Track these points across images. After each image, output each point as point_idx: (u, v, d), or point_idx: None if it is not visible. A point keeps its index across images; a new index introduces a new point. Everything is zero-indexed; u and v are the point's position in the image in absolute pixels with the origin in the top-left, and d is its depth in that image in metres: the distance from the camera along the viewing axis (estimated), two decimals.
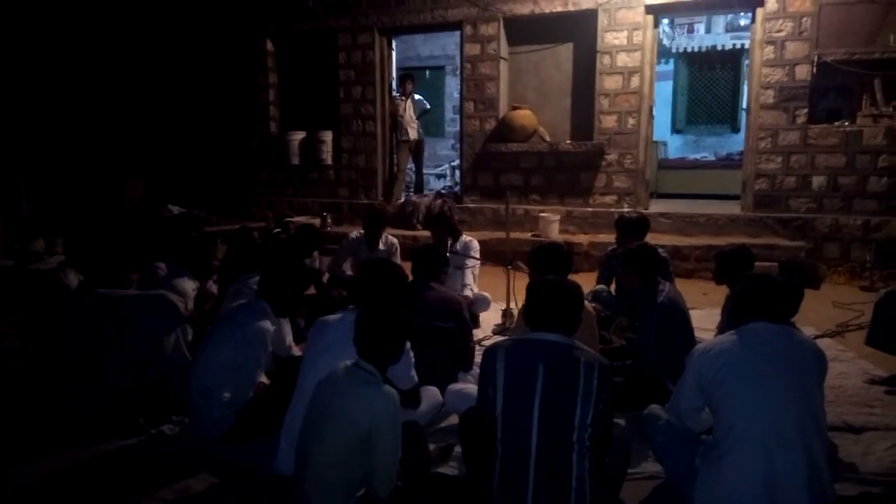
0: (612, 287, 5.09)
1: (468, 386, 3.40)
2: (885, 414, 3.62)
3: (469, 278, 5.34)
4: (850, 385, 4.04)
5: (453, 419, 3.34)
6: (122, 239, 6.02)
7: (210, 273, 4.49)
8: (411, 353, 2.99)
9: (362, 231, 5.72)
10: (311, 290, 4.61)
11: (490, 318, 5.39)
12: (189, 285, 4.12)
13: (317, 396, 2.43)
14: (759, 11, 7.20)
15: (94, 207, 8.29)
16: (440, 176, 12.77)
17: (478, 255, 5.45)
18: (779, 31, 7.11)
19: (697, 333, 3.83)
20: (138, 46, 9.92)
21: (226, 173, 10.03)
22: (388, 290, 3.08)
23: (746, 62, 9.57)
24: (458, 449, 2.90)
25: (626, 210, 7.74)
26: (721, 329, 3.86)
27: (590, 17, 7.81)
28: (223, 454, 3.06)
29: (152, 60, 10.01)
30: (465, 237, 5.54)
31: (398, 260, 5.78)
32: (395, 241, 5.88)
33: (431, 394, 3.39)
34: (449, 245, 5.36)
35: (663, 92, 12.76)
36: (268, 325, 3.19)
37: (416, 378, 3.04)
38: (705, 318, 4.89)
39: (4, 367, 4.25)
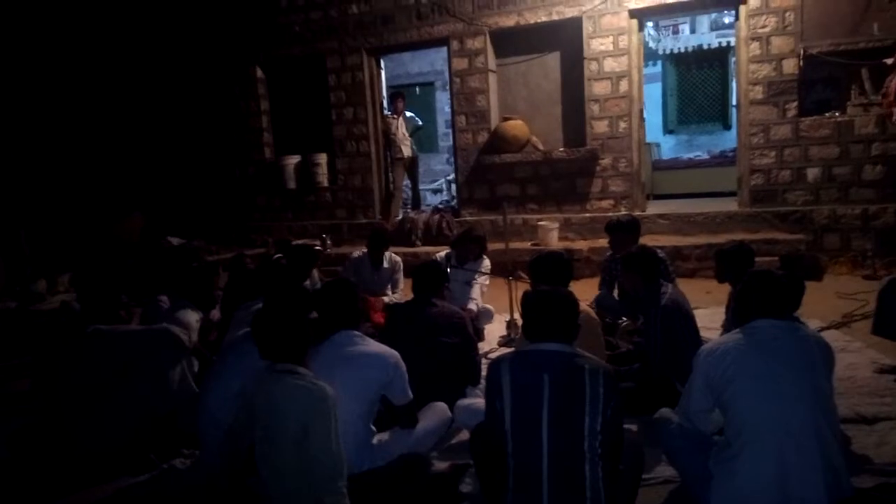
0: (615, 292, 5.09)
1: (477, 400, 3.39)
2: None
3: (476, 293, 5.37)
4: (860, 375, 4.02)
5: (465, 435, 3.33)
6: (117, 275, 6.01)
7: (213, 303, 4.48)
8: (404, 368, 2.97)
9: (365, 251, 5.76)
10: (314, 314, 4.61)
11: (495, 331, 5.39)
12: (193, 317, 4.10)
13: (251, 414, 2.43)
14: (743, 8, 7.26)
15: (94, 244, 8.30)
16: (436, 191, 12.80)
17: (488, 271, 5.48)
18: (763, 26, 7.16)
19: (702, 333, 3.82)
20: (130, 82, 9.98)
21: (223, 202, 10.06)
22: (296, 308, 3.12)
23: (733, 59, 9.62)
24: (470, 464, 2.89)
25: (620, 214, 7.75)
26: (726, 328, 3.86)
27: (575, 24, 7.87)
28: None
29: (144, 95, 10.07)
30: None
31: (401, 277, 5.82)
32: (398, 259, 5.91)
33: (440, 410, 3.38)
34: (464, 262, 5.39)
35: (653, 94, 12.84)
36: None
37: (410, 395, 3.02)
38: (710, 317, 4.89)
39: (13, 409, 4.24)
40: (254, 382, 2.47)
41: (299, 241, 7.95)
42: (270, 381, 2.39)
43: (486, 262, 5.54)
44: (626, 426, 2.57)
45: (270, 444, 2.32)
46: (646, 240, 7.03)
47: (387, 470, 2.77)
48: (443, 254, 5.67)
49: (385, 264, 5.74)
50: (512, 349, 3.65)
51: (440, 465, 3.15)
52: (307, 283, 5.13)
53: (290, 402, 2.30)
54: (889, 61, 6.51)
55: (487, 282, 5.55)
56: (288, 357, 2.44)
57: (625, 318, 4.57)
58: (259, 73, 9.74)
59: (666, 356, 3.46)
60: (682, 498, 2.76)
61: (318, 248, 6.58)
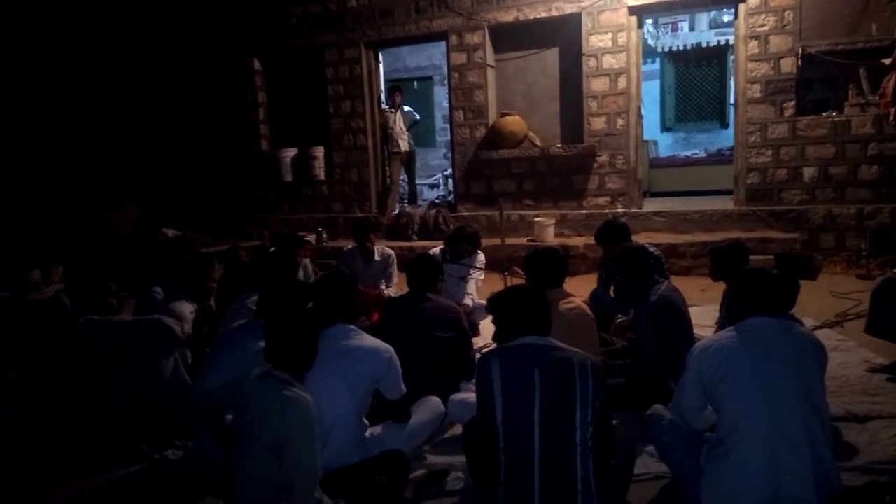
0: (612, 290, 5.09)
1: (470, 395, 3.37)
2: (889, 402, 3.62)
3: (472, 287, 5.37)
4: (852, 374, 4.04)
5: (458, 429, 3.33)
6: (110, 265, 5.99)
7: (208, 295, 4.48)
8: (398, 363, 2.97)
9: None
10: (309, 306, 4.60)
11: (490, 326, 5.36)
12: (187, 308, 4.10)
13: (238, 409, 2.43)
14: (742, 7, 7.25)
15: (88, 234, 8.28)
16: (433, 186, 12.79)
17: (483, 266, 5.47)
18: (762, 25, 7.16)
19: (696, 330, 3.83)
20: (127, 72, 9.94)
21: (219, 193, 10.03)
22: (292, 301, 3.10)
23: (732, 58, 9.62)
24: (463, 459, 2.89)
25: (619, 210, 7.77)
26: (720, 325, 3.87)
27: (574, 20, 7.85)
28: (228, 477, 3.04)
29: (141, 85, 10.03)
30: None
31: (395, 271, 5.82)
32: (391, 252, 5.91)
33: (433, 404, 3.38)
34: (458, 258, 5.39)
35: (651, 91, 12.82)
36: None
37: (403, 389, 3.02)
38: (704, 315, 4.89)
39: (7, 399, 4.24)
40: (248, 380, 2.44)
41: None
42: (262, 385, 2.36)
43: (481, 257, 5.53)
44: (619, 422, 2.58)
45: (244, 448, 2.31)
46: (642, 237, 7.07)
47: (363, 466, 2.76)
48: (437, 249, 5.66)
49: (377, 257, 5.73)
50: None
51: (435, 460, 3.17)
52: (301, 273, 5.12)
53: (272, 412, 2.27)
54: (887, 61, 6.51)
55: (482, 276, 5.55)
56: (288, 368, 2.41)
57: (620, 315, 4.57)
58: (257, 64, 9.71)
59: (657, 352, 3.47)
60: (674, 494, 2.76)
61: (307, 238, 6.56)
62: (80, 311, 3.57)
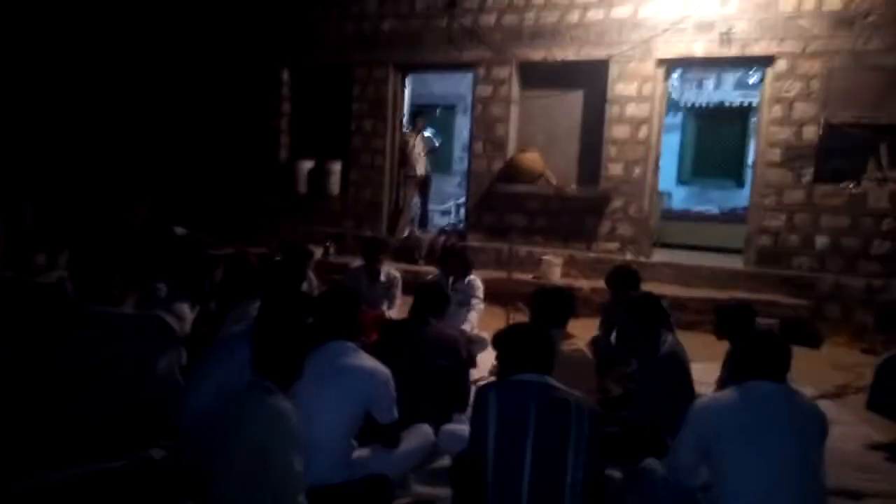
0: (613, 337, 5.05)
1: (462, 427, 3.34)
2: (884, 480, 3.56)
3: (473, 315, 5.35)
4: (850, 449, 3.97)
5: (446, 460, 3.28)
6: (115, 256, 5.99)
7: (207, 297, 4.46)
8: (393, 387, 2.94)
9: (363, 262, 5.76)
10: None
11: (488, 359, 5.34)
12: (188, 308, 4.09)
13: (222, 415, 2.42)
14: (769, 71, 7.31)
15: (98, 224, 8.30)
16: (445, 213, 12.82)
17: (482, 295, 5.46)
18: (787, 91, 7.20)
19: (696, 387, 3.79)
20: (155, 67, 10.06)
21: (234, 198, 10.07)
22: (294, 312, 3.09)
23: (753, 119, 9.69)
24: (448, 492, 2.84)
25: (628, 257, 7.75)
26: (720, 384, 3.83)
27: (601, 67, 7.93)
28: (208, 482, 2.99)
29: (168, 82, 10.14)
30: (471, 275, 5.57)
31: (398, 294, 5.80)
32: (397, 274, 5.90)
33: (424, 432, 3.34)
34: (453, 281, 5.38)
35: (670, 143, 12.85)
36: None
37: (396, 414, 2.99)
38: (704, 372, 4.81)
39: None
40: (234, 389, 2.43)
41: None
42: (246, 394, 2.36)
43: (478, 283, 5.52)
44: (610, 473, 2.54)
45: (225, 455, 2.29)
46: (649, 287, 7.00)
47: (347, 488, 2.73)
48: (431, 276, 5.67)
49: (382, 278, 5.73)
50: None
51: (420, 489, 3.12)
52: (304, 285, 5.11)
53: (253, 420, 2.26)
54: None
55: (482, 306, 5.53)
56: (273, 377, 2.40)
57: (627, 367, 4.51)
58: (286, 75, 9.81)
59: (657, 406, 3.42)
60: None
61: (311, 251, 6.56)
62: (81, 299, 3.55)
